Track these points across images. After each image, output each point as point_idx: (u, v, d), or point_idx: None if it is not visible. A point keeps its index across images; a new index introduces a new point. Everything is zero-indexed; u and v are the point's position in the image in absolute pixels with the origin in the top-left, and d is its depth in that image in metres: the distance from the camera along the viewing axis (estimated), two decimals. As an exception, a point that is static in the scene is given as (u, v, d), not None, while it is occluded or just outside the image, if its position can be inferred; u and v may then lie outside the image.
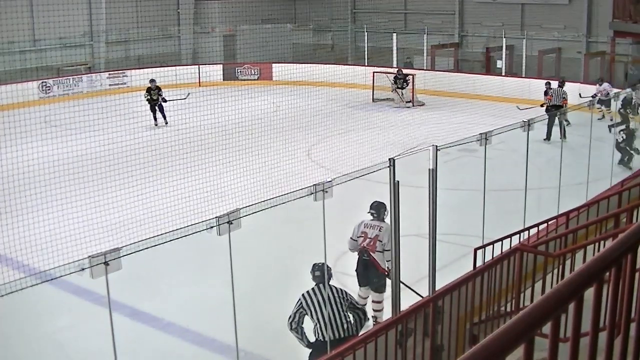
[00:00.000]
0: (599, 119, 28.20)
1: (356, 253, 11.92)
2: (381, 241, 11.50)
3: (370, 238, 11.68)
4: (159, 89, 29.69)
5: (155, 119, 29.47)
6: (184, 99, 28.78)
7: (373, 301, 11.95)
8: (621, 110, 22.67)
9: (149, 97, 29.50)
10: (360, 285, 11.98)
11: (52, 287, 10.69)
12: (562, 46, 37.37)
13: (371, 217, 11.86)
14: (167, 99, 29.43)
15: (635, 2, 29.60)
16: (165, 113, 29.45)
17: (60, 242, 14.73)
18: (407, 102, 33.09)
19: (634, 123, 21.50)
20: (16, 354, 11.67)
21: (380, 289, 11.75)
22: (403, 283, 10.93)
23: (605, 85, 29.40)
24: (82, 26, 38.52)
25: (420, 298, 9.83)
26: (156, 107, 29.46)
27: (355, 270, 11.94)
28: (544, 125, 21.17)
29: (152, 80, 29.77)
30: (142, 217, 16.45)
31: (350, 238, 11.93)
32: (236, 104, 26.54)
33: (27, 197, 18.79)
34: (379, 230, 11.60)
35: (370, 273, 11.70)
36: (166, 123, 29.21)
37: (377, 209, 11.79)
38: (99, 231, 15.45)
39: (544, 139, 23.16)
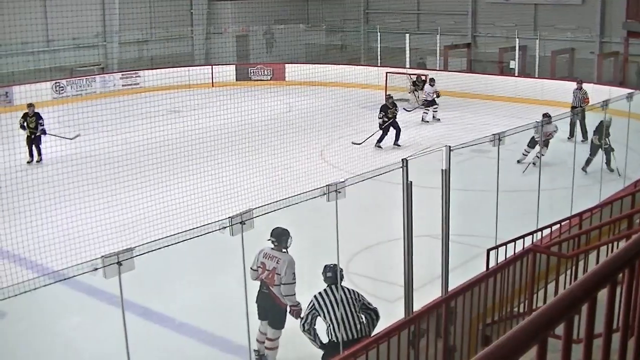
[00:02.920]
0: (424, 121, 30.48)
1: (258, 283, 10.97)
2: (279, 274, 10.62)
3: (268, 270, 10.74)
4: (38, 116, 24.34)
5: (30, 154, 23.93)
6: (72, 139, 23.94)
7: (267, 338, 11.04)
8: (594, 139, 20.28)
9: (25, 124, 24.03)
10: (259, 319, 10.94)
11: (65, 286, 10.72)
12: (575, 46, 37.27)
13: (272, 246, 10.87)
14: (47, 131, 24.16)
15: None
16: (42, 147, 24.08)
17: (73, 242, 14.77)
18: (421, 104, 33.14)
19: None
20: (29, 352, 11.71)
21: (277, 325, 10.91)
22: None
23: (437, 85, 31.32)
24: (96, 27, 38.64)
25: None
26: (33, 139, 23.98)
27: (255, 302, 10.84)
28: (560, 125, 21.01)
29: (30, 105, 24.56)
30: (155, 217, 16.47)
31: (250, 268, 10.71)
32: (249, 105, 26.57)
33: (41, 197, 18.85)
34: (277, 263, 10.65)
35: (268, 307, 10.78)
36: (40, 160, 23.82)
37: (278, 237, 10.81)
38: (112, 231, 15.49)
39: (568, 137, 23.11)
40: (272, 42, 44.47)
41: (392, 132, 25.82)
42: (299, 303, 10.65)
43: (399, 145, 25.49)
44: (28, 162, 23.31)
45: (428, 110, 31.06)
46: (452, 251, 9.59)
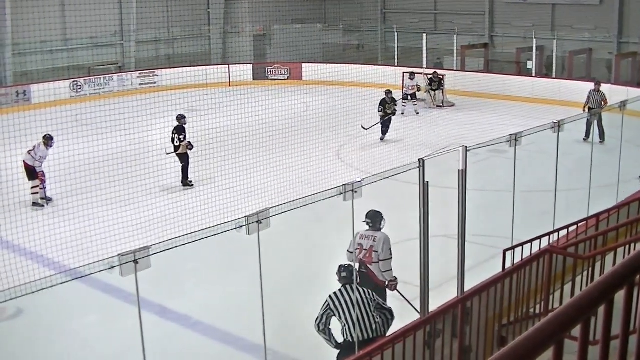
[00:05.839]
0: (402, 114, 30.59)
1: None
2: (376, 252, 11.18)
3: (365, 250, 11.31)
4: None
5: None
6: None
7: None
8: None
9: (178, 139, 21.21)
10: None
11: (82, 284, 10.76)
12: (593, 47, 37.11)
13: (367, 227, 11.42)
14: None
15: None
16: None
17: (90, 240, 14.84)
18: (437, 105, 33.06)
19: None
20: (46, 350, 11.76)
21: None
22: (401, 294, 10.82)
23: (417, 79, 32.03)
24: (113, 26, 38.81)
25: (417, 314, 9.79)
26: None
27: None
28: (576, 126, 20.94)
29: (182, 117, 21.63)
30: (172, 216, 16.52)
31: (347, 251, 11.36)
32: (266, 104, 26.59)
33: (58, 196, 18.96)
34: (374, 241, 11.24)
35: (368, 286, 10.93)
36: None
37: (373, 218, 11.38)
38: (129, 229, 15.53)
39: (584, 138, 23.08)
40: None
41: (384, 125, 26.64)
42: (396, 278, 11.12)
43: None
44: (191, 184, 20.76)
45: (406, 103, 31.45)
46: (468, 251, 9.57)
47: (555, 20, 38.79)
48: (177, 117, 21.47)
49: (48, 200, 19.15)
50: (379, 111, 26.72)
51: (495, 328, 9.41)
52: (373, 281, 11.16)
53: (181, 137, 21.02)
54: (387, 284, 11.22)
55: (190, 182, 20.77)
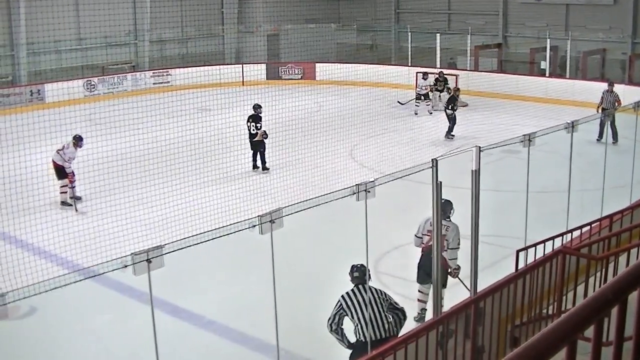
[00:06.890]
0: (416, 114, 31.14)
1: (420, 249, 11.98)
2: (447, 240, 11.45)
3: None
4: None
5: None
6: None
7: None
8: None
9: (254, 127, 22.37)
10: (421, 282, 11.97)
11: (95, 283, 10.80)
12: (607, 47, 36.97)
13: None
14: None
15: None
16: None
17: (103, 239, 14.86)
18: (434, 107, 32.58)
19: None
20: (59, 348, 11.79)
21: (442, 285, 11.67)
22: (460, 280, 11.01)
23: (430, 79, 31.80)
24: (127, 25, 38.83)
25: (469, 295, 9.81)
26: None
27: (418, 265, 11.94)
28: (590, 126, 20.90)
29: (258, 107, 22.70)
30: (185, 215, 16.53)
31: (415, 235, 11.95)
32: (279, 104, 26.58)
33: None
34: (446, 230, 11.37)
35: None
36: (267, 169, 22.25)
37: (444, 207, 11.17)
38: (142, 229, 15.56)
39: (597, 139, 23.08)
40: None
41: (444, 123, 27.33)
42: (459, 266, 11.38)
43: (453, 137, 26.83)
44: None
45: (419, 103, 31.49)
46: (481, 252, 9.55)
47: (569, 21, 38.67)
48: (253, 107, 22.55)
49: (77, 199, 19.19)
50: (448, 109, 27.09)
51: (508, 328, 9.39)
52: (443, 267, 11.34)
53: (258, 125, 22.06)
54: (450, 270, 11.50)
55: (267, 167, 22.07)
